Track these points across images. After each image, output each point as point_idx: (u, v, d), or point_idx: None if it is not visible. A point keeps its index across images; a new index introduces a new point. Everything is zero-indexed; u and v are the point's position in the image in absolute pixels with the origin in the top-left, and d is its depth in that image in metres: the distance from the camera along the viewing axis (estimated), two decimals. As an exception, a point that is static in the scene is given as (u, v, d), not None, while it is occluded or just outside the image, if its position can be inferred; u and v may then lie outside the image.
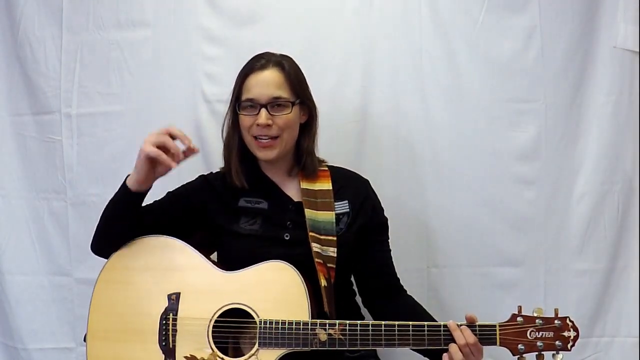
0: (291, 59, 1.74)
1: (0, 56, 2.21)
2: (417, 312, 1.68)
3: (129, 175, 1.64)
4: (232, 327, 1.57)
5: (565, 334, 1.48)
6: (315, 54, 2.05)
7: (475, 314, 1.51)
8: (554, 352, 1.48)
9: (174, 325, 1.59)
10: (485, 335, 1.49)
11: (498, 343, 1.49)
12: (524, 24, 2.04)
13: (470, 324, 1.50)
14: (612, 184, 2.05)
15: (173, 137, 1.59)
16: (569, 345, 1.48)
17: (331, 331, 1.51)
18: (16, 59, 2.19)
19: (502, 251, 2.07)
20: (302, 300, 1.53)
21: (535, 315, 1.50)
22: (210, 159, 2.08)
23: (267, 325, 1.53)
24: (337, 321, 1.52)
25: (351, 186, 1.76)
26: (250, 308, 1.56)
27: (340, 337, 1.50)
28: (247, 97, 1.67)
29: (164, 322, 1.59)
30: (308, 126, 1.75)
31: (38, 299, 2.20)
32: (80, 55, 2.16)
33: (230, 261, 1.65)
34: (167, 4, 2.12)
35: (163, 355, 1.58)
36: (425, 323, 1.50)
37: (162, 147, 1.57)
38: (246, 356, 1.54)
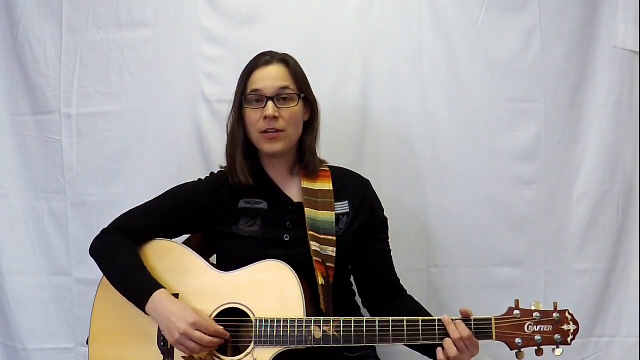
0: (293, 57, 1.74)
1: (0, 56, 2.21)
2: (417, 311, 1.67)
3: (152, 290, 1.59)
4: (230, 326, 1.57)
5: (565, 327, 1.45)
6: (315, 54, 2.05)
7: (471, 310, 1.50)
8: (554, 346, 1.45)
9: None
10: (481, 329, 1.47)
11: (494, 337, 1.47)
12: (524, 24, 2.05)
13: (465, 318, 1.49)
14: (612, 184, 2.05)
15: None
16: (569, 339, 1.45)
17: (325, 328, 1.51)
18: (16, 59, 2.19)
19: (502, 251, 2.07)
20: (298, 298, 1.54)
21: (533, 308, 1.47)
22: (210, 159, 2.08)
23: (263, 324, 1.53)
24: (332, 318, 1.52)
25: (351, 186, 1.76)
26: (247, 307, 1.56)
27: (335, 334, 1.51)
28: (253, 88, 1.67)
29: None
30: (310, 124, 1.75)
31: (38, 299, 2.19)
32: (80, 55, 2.16)
33: (230, 263, 1.65)
34: (167, 4, 2.12)
35: (162, 356, 1.59)
36: (420, 318, 1.50)
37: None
38: (242, 355, 1.55)
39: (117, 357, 1.62)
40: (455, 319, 1.48)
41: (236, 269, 1.62)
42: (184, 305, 1.56)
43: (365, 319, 1.52)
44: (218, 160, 1.89)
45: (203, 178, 1.80)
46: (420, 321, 1.49)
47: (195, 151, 2.12)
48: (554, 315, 1.46)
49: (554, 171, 2.06)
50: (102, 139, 2.16)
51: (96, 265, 1.70)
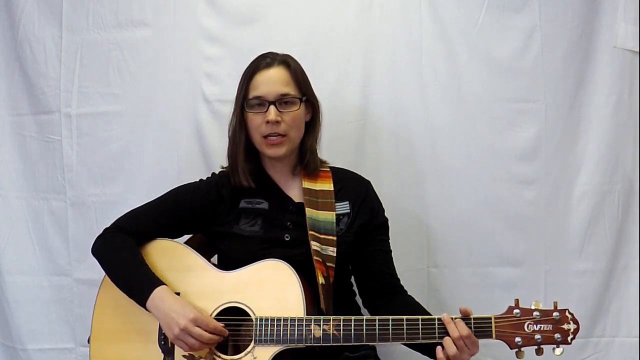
0: (294, 58, 1.74)
1: (0, 56, 2.21)
2: (416, 311, 1.67)
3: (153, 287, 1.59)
4: (230, 325, 1.58)
5: (565, 326, 1.44)
6: (315, 54, 2.05)
7: (471, 309, 1.50)
8: (554, 345, 1.45)
9: None
10: (481, 328, 1.47)
11: (494, 336, 1.47)
12: (524, 24, 2.05)
13: (465, 317, 1.48)
14: (612, 184, 2.05)
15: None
16: (569, 339, 1.44)
17: (325, 327, 1.51)
18: (16, 59, 2.19)
19: (502, 251, 2.07)
20: (298, 297, 1.54)
21: (533, 307, 1.47)
22: (210, 158, 2.08)
23: (263, 323, 1.54)
24: (332, 317, 1.52)
25: (352, 187, 1.76)
26: (247, 306, 1.57)
27: (335, 332, 1.51)
28: (255, 94, 1.67)
29: None
30: (312, 125, 1.76)
31: (38, 299, 2.19)
32: (80, 55, 2.16)
33: (231, 263, 1.65)
34: (167, 4, 2.12)
35: (162, 355, 1.59)
36: (420, 317, 1.50)
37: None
38: (242, 354, 1.55)
39: (118, 356, 1.63)
40: (455, 318, 1.48)
41: (237, 268, 1.62)
42: (184, 302, 1.56)
43: (365, 317, 1.53)
44: (218, 160, 1.89)
45: (204, 178, 1.80)
46: (420, 320, 1.49)
47: (195, 151, 2.12)
48: (554, 314, 1.45)
49: (554, 171, 2.06)
50: (102, 139, 2.16)
51: (96, 265, 1.70)
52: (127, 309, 1.62)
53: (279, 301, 1.55)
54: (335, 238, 1.67)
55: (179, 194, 1.76)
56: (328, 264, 1.64)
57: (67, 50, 2.16)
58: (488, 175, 2.06)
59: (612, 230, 2.05)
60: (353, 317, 1.52)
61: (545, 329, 1.45)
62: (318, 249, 1.64)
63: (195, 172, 1.99)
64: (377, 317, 1.51)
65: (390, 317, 1.51)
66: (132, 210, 1.75)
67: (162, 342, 1.60)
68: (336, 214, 1.70)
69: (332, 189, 1.74)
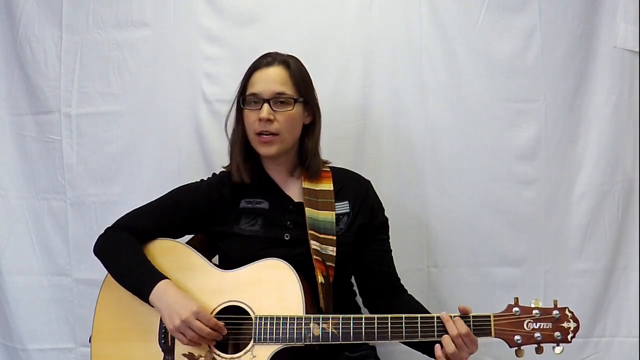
0: (298, 60, 1.75)
1: (0, 56, 2.21)
2: (417, 311, 1.66)
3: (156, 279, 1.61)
4: (230, 324, 1.58)
5: (565, 325, 1.44)
6: (316, 53, 2.04)
7: (470, 307, 1.50)
8: (554, 344, 1.44)
9: None
10: (480, 326, 1.47)
11: (493, 334, 1.46)
12: (524, 24, 2.05)
13: (464, 316, 1.48)
14: (612, 184, 2.05)
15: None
16: (569, 337, 1.44)
17: (324, 325, 1.51)
18: (16, 59, 2.19)
19: (502, 251, 2.07)
20: (297, 296, 1.55)
21: (532, 306, 1.46)
22: (210, 158, 2.08)
23: (263, 322, 1.54)
24: (330, 315, 1.53)
25: (352, 187, 1.77)
26: (247, 305, 1.58)
27: (334, 331, 1.51)
28: (251, 91, 1.69)
29: None
30: (312, 127, 1.76)
31: (37, 299, 2.19)
32: (80, 55, 2.16)
33: (231, 262, 1.66)
34: (167, 4, 2.12)
35: (162, 353, 1.60)
36: (419, 315, 1.50)
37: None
38: (242, 352, 1.55)
39: (118, 354, 1.63)
40: (454, 316, 1.48)
41: (238, 267, 1.63)
42: (188, 295, 1.58)
43: (363, 316, 1.53)
44: (218, 160, 1.89)
45: (205, 179, 1.80)
46: (419, 318, 1.49)
47: (195, 151, 2.12)
48: (554, 312, 1.45)
49: (554, 171, 2.06)
50: (102, 139, 2.16)
51: (96, 265, 1.71)
52: (128, 308, 1.63)
53: (278, 300, 1.56)
54: (335, 238, 1.67)
55: (180, 194, 1.76)
56: (328, 263, 1.64)
57: (67, 50, 2.16)
58: (488, 175, 2.06)
59: (612, 230, 2.05)
60: (352, 316, 1.52)
61: (544, 327, 1.44)
62: (318, 248, 1.64)
63: (195, 172, 1.99)
64: (375, 316, 1.52)
65: (389, 315, 1.51)
66: (133, 210, 1.75)
67: (162, 341, 1.61)
68: (336, 214, 1.70)
69: (332, 189, 1.74)
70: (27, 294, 2.20)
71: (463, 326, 1.46)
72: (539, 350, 1.46)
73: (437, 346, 1.48)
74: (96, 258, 1.71)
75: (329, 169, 1.79)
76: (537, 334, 1.44)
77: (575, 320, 1.45)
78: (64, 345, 2.19)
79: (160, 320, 1.60)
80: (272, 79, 1.68)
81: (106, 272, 1.70)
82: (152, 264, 1.64)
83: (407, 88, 2.07)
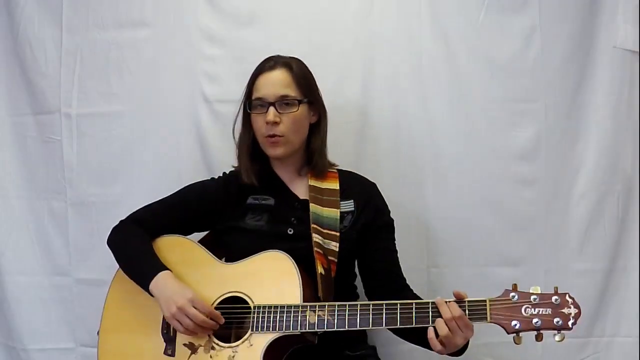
0: (301, 61, 1.77)
1: (0, 56, 2.21)
2: None
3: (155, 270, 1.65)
4: (231, 314, 1.60)
5: (565, 310, 1.38)
6: (315, 54, 2.03)
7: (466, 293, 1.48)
8: (554, 331, 1.37)
9: None
10: (475, 310, 1.45)
11: (489, 319, 1.43)
12: (524, 24, 2.04)
13: (459, 300, 1.47)
14: (612, 184, 2.05)
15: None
16: (569, 323, 1.37)
17: (320, 313, 1.53)
18: (16, 59, 2.19)
19: (502, 251, 2.07)
20: (295, 285, 1.56)
21: (531, 291, 1.41)
22: (210, 158, 2.08)
23: (261, 310, 1.56)
24: (327, 303, 1.54)
25: (357, 187, 1.80)
26: (247, 295, 1.60)
27: (329, 317, 1.52)
28: (257, 96, 1.73)
29: None
30: (318, 127, 1.79)
31: (38, 299, 2.19)
32: (80, 55, 2.16)
33: (235, 256, 1.68)
34: (167, 4, 2.12)
35: (164, 344, 1.63)
36: (414, 301, 1.50)
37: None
38: (239, 341, 1.57)
39: (122, 344, 1.68)
40: (449, 301, 1.47)
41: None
42: (185, 285, 1.62)
43: (359, 302, 1.54)
44: (218, 160, 1.90)
45: (216, 177, 1.84)
46: (414, 304, 1.49)
47: (195, 151, 2.12)
48: (553, 298, 1.40)
49: (554, 171, 2.06)
50: (102, 139, 2.16)
51: (96, 265, 1.74)
52: (135, 302, 1.68)
53: (277, 290, 1.58)
54: (338, 234, 1.69)
55: (189, 193, 1.81)
56: (330, 257, 1.66)
57: (67, 50, 2.16)
58: (488, 175, 2.06)
59: (612, 230, 2.05)
60: (347, 303, 1.53)
61: (543, 312, 1.39)
62: (320, 241, 1.66)
63: (195, 172, 2.00)
64: (371, 302, 1.53)
65: (385, 302, 1.51)
66: (146, 206, 1.80)
67: (165, 332, 1.64)
68: (340, 212, 1.72)
69: (338, 188, 1.77)
70: (27, 294, 2.20)
71: (457, 309, 1.44)
72: (538, 337, 1.41)
73: (431, 329, 1.46)
74: (96, 258, 1.73)
75: (335, 171, 1.82)
76: (535, 320, 1.38)
77: (577, 307, 1.39)
78: (64, 345, 2.20)
79: None
80: (275, 83, 1.71)
81: (109, 271, 1.74)
82: (158, 257, 1.68)
83: (407, 88, 2.07)
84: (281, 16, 2.09)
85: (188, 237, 1.77)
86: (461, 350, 1.52)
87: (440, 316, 1.46)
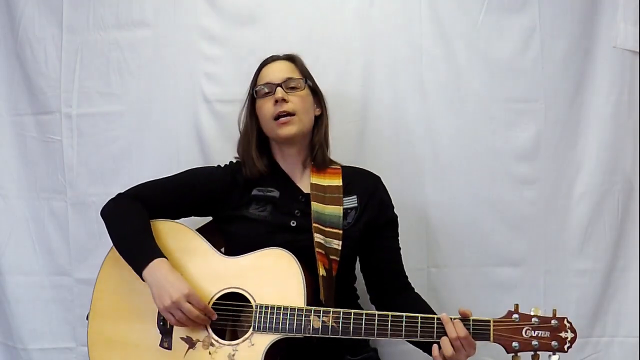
0: (300, 58, 1.82)
1: (0, 56, 2.21)
2: (422, 310, 1.67)
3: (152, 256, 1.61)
4: (230, 310, 1.59)
5: (562, 334, 1.46)
6: (316, 53, 2.04)
7: (474, 315, 1.51)
8: (550, 352, 1.46)
9: None
10: (479, 330, 1.48)
11: (492, 339, 1.48)
12: (523, 24, 2.05)
13: (464, 318, 1.49)
14: (612, 184, 2.05)
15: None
16: (565, 347, 1.46)
17: (325, 318, 1.52)
18: (16, 59, 2.19)
19: (502, 251, 2.07)
20: (299, 287, 1.55)
21: (532, 313, 1.48)
22: (210, 158, 2.08)
23: (263, 310, 1.55)
24: (332, 309, 1.53)
25: (361, 181, 1.80)
26: (248, 293, 1.58)
27: (334, 324, 1.52)
28: (263, 82, 1.76)
29: None
30: (321, 119, 1.82)
31: (38, 299, 2.19)
32: (80, 55, 2.16)
33: (237, 245, 1.68)
34: (167, 4, 2.12)
35: (160, 335, 1.61)
36: (419, 315, 1.51)
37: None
38: (240, 340, 1.56)
39: (116, 334, 1.64)
40: (454, 319, 1.49)
41: (243, 251, 1.64)
42: (181, 277, 1.58)
43: (364, 312, 1.53)
44: (218, 160, 1.90)
45: (222, 165, 1.84)
46: (419, 318, 1.50)
47: (195, 151, 2.12)
48: (553, 321, 1.47)
49: (554, 171, 2.06)
50: (102, 139, 2.16)
51: (96, 265, 1.71)
52: (128, 288, 1.64)
53: (280, 290, 1.57)
54: (341, 232, 1.68)
55: (195, 175, 1.81)
56: (332, 256, 1.66)
57: (67, 50, 2.16)
58: (488, 175, 2.06)
59: (611, 230, 2.05)
60: (353, 311, 1.53)
61: (542, 335, 1.46)
62: (321, 241, 1.66)
63: (195, 172, 1.99)
64: (377, 312, 1.52)
65: (390, 313, 1.51)
66: (149, 182, 1.78)
67: (161, 323, 1.61)
68: (343, 208, 1.72)
69: (341, 184, 1.77)
70: (27, 294, 2.20)
71: (462, 329, 1.47)
72: (534, 358, 1.47)
73: (435, 347, 1.48)
74: (96, 258, 1.72)
75: (339, 167, 1.82)
76: (534, 342, 1.46)
77: (573, 331, 1.47)
78: (64, 345, 2.20)
79: None
80: (280, 69, 1.77)
81: (108, 251, 1.71)
82: (154, 239, 1.64)
83: (407, 88, 2.07)
84: (281, 16, 2.09)
85: (188, 225, 1.74)
86: None
87: (445, 333, 1.48)
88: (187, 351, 1.58)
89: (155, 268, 1.57)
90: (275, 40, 2.00)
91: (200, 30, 2.12)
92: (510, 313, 1.48)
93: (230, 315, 1.60)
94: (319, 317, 1.52)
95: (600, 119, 2.04)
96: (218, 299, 1.60)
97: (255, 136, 1.79)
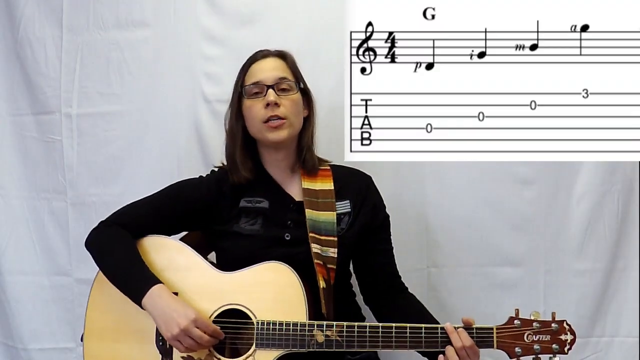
0: (291, 54, 1.76)
1: (0, 56, 2.21)
2: (418, 311, 1.68)
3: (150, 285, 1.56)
4: (230, 327, 1.57)
5: (562, 337, 1.48)
6: (315, 53, 2.04)
7: (474, 315, 1.51)
8: (551, 355, 1.49)
9: None
10: (482, 338, 1.49)
11: (495, 346, 1.50)
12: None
13: (467, 327, 1.50)
14: (612, 184, 2.05)
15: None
16: (565, 349, 1.48)
17: (328, 332, 1.51)
18: (16, 59, 2.19)
19: (502, 251, 2.07)
20: (300, 301, 1.53)
21: (532, 318, 1.50)
22: (210, 158, 2.08)
23: (265, 326, 1.52)
24: (335, 322, 1.52)
25: (352, 184, 1.75)
26: (248, 309, 1.55)
27: (338, 338, 1.50)
28: (253, 81, 1.68)
29: None
30: (308, 121, 1.75)
31: (38, 299, 2.20)
32: (80, 55, 2.16)
33: (230, 262, 1.63)
34: (167, 4, 2.12)
35: (160, 355, 1.58)
36: (423, 325, 1.50)
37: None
38: (243, 357, 1.54)
39: (113, 355, 1.61)
40: (457, 327, 1.50)
41: (236, 267, 1.60)
42: (184, 302, 1.54)
43: (368, 324, 1.52)
44: (218, 160, 1.88)
45: (204, 175, 1.79)
46: (423, 329, 1.50)
47: (195, 151, 2.12)
48: (553, 325, 1.49)
49: (554, 171, 2.06)
50: (102, 139, 2.16)
51: (96, 265, 1.70)
52: (121, 306, 1.59)
53: (281, 304, 1.54)
54: (336, 239, 1.65)
55: (179, 189, 1.73)
56: (329, 265, 1.63)
57: (67, 50, 2.16)
58: (488, 175, 2.06)
59: (611, 230, 2.05)
60: (356, 324, 1.51)
61: (543, 339, 1.49)
62: (319, 251, 1.63)
63: (194, 172, 1.97)
64: (380, 325, 1.51)
65: (394, 324, 1.51)
66: (130, 204, 1.72)
67: (160, 343, 1.58)
68: (337, 214, 1.68)
69: (332, 188, 1.72)
70: (27, 294, 2.20)
71: (467, 338, 1.48)
72: None
73: (441, 357, 1.49)
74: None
75: (328, 167, 1.77)
76: (536, 346, 1.49)
77: (572, 333, 1.49)
78: (64, 345, 2.20)
79: None
80: (271, 67, 1.69)
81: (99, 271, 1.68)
82: (146, 264, 1.59)
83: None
84: (281, 16, 2.09)
85: (175, 238, 1.70)
86: None
87: (449, 342, 1.48)
88: None
89: (155, 296, 1.53)
90: (275, 40, 1.98)
91: (200, 30, 2.12)
92: (511, 319, 1.50)
93: (229, 332, 1.57)
94: (322, 331, 1.51)
95: (600, 118, 2.04)
96: (216, 317, 1.57)
97: (240, 137, 1.70)
